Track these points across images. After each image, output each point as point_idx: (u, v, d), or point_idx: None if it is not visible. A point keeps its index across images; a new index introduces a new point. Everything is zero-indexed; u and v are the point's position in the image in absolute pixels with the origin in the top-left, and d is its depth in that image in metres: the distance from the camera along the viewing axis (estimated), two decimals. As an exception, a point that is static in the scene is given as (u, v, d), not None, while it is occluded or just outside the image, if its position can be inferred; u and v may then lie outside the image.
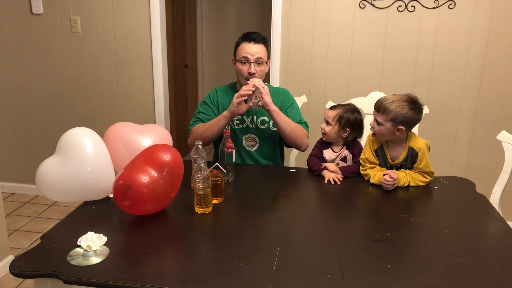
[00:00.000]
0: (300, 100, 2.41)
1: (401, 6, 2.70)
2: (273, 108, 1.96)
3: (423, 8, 2.68)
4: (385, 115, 1.72)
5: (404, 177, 1.76)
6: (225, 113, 1.97)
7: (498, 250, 1.30)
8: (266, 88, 1.96)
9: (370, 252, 1.27)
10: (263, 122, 2.12)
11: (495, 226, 1.49)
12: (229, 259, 1.21)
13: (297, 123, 2.11)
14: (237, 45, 2.07)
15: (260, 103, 1.93)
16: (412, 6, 2.68)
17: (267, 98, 1.93)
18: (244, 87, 1.93)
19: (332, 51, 2.85)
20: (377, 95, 2.32)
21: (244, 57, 2.01)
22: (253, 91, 1.92)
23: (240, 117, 2.10)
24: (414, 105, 1.72)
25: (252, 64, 2.00)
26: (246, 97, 1.92)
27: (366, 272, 1.17)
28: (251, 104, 1.93)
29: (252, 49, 2.00)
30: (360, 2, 2.73)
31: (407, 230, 1.45)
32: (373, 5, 2.73)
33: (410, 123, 1.73)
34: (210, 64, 4.71)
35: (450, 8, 2.65)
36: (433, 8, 2.67)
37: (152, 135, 1.74)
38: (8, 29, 3.14)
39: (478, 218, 1.55)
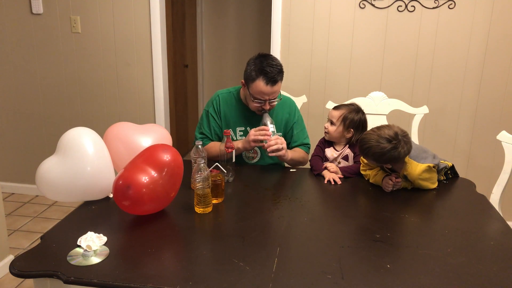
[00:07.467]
0: (300, 100, 2.40)
1: (401, 6, 2.69)
2: (289, 157, 1.94)
3: (423, 8, 2.68)
4: (370, 161, 1.73)
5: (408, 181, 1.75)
6: (240, 146, 1.93)
7: (498, 250, 1.30)
8: (284, 144, 1.88)
9: (370, 252, 1.27)
10: None
11: (495, 226, 1.49)
12: (229, 259, 1.21)
13: (300, 144, 2.08)
14: (251, 78, 1.86)
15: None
16: (412, 6, 2.68)
17: (287, 156, 1.90)
18: (260, 137, 1.86)
19: (332, 51, 2.84)
20: (377, 95, 2.32)
21: (259, 98, 1.89)
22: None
23: (243, 128, 2.05)
24: (391, 142, 1.61)
25: (267, 102, 1.90)
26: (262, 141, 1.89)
27: (366, 272, 1.17)
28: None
29: (270, 91, 1.86)
30: (360, 2, 2.73)
31: (407, 230, 1.45)
32: (373, 5, 2.72)
33: (396, 159, 1.65)
34: (210, 64, 4.70)
35: (450, 8, 2.65)
36: (433, 8, 2.67)
37: (152, 135, 1.74)
38: (8, 29, 3.14)
39: (478, 218, 1.55)
